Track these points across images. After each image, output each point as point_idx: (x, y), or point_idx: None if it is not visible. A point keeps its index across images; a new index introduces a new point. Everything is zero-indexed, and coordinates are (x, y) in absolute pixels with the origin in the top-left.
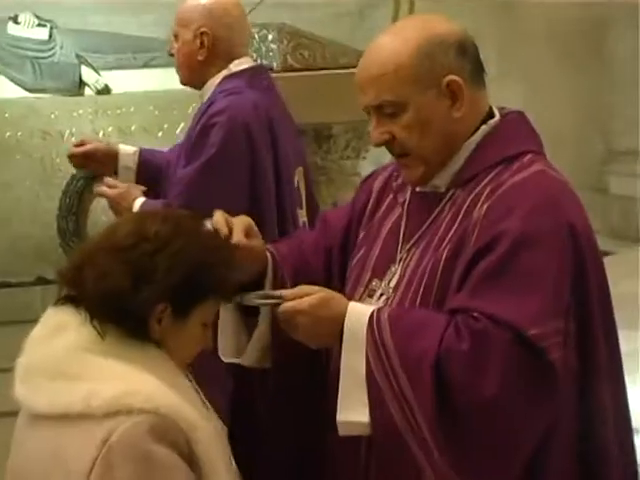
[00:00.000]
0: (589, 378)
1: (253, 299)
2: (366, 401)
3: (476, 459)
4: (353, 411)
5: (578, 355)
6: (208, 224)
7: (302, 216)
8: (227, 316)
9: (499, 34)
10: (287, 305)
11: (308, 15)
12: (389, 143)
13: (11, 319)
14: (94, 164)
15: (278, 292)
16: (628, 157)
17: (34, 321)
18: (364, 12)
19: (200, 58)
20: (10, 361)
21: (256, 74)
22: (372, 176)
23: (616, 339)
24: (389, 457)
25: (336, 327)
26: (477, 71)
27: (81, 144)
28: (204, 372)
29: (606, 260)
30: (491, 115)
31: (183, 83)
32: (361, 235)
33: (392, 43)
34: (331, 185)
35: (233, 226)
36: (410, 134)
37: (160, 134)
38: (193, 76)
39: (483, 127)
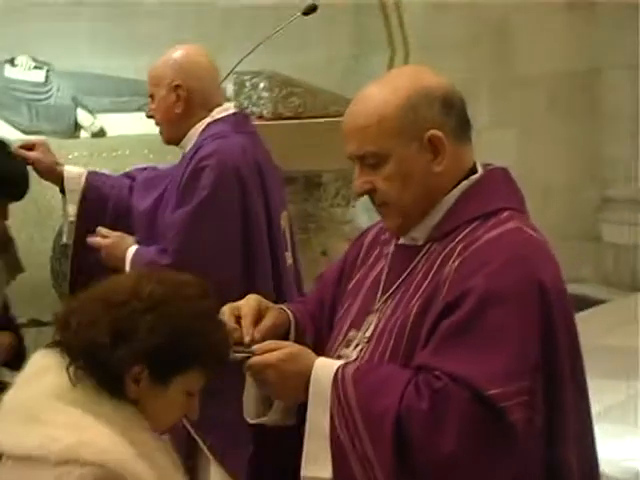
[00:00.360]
0: (555, 438)
1: (232, 352)
2: (329, 457)
3: None
4: (317, 466)
5: (545, 414)
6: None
7: (288, 258)
8: (250, 379)
9: (492, 82)
10: (255, 359)
11: (302, 59)
12: (370, 193)
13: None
14: (38, 172)
15: (254, 347)
16: (621, 204)
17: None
18: (359, 58)
19: (178, 111)
20: None
21: (240, 119)
22: (365, 232)
23: (586, 398)
24: None
25: (303, 382)
26: (462, 126)
27: (25, 146)
28: None
29: (600, 308)
30: (474, 171)
31: (166, 141)
32: (349, 287)
33: (379, 94)
34: (321, 233)
35: (242, 320)
36: (391, 186)
37: (160, 165)
38: (174, 131)
39: (464, 182)
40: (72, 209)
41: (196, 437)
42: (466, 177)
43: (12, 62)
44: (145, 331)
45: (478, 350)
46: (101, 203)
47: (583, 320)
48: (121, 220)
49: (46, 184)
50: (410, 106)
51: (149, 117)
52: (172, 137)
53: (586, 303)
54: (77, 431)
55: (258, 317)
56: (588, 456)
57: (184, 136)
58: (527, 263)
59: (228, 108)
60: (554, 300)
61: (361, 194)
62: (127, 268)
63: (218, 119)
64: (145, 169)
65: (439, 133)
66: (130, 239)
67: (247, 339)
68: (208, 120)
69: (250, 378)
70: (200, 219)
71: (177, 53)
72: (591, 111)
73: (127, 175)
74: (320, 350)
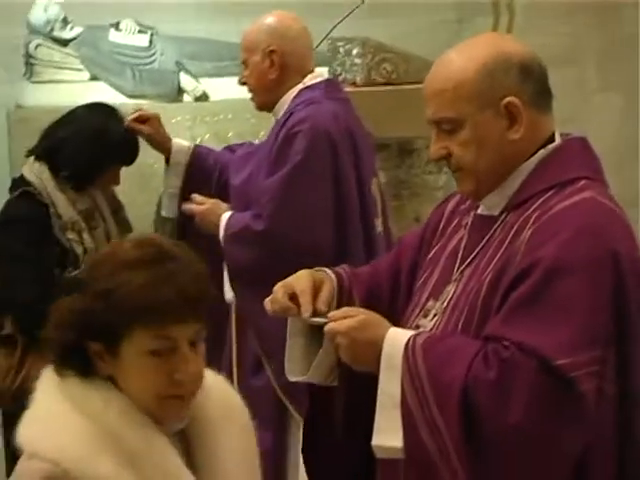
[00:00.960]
0: (627, 403)
1: (308, 318)
2: (400, 426)
3: None
4: (387, 435)
5: (616, 381)
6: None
7: (378, 225)
8: (295, 340)
9: (599, 46)
10: (329, 326)
11: (404, 24)
12: (446, 158)
13: None
14: (150, 143)
15: (329, 313)
16: None
17: None
18: (462, 22)
19: (272, 77)
20: None
21: (332, 86)
22: (446, 200)
23: None
24: (423, 477)
25: (374, 351)
26: (541, 94)
27: (140, 118)
28: None
29: None
30: (552, 140)
31: (259, 107)
32: (429, 256)
33: (456, 60)
34: (414, 199)
35: (300, 297)
36: (465, 151)
37: (256, 141)
38: (268, 97)
39: (541, 151)
40: (175, 181)
41: (286, 402)
42: (544, 146)
43: (117, 26)
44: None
45: (547, 320)
46: (205, 176)
47: None
48: (223, 193)
49: (148, 147)
50: (486, 72)
51: (242, 84)
52: (265, 103)
53: None
54: (48, 423)
55: (315, 291)
56: None
57: (277, 102)
58: (600, 232)
59: (320, 74)
60: (628, 269)
61: (437, 159)
62: (221, 233)
63: (310, 85)
64: (243, 144)
65: (516, 100)
66: (225, 205)
67: (306, 315)
68: (300, 86)
69: (292, 338)
70: (293, 184)
71: (270, 19)
72: None
73: (229, 149)
74: (388, 314)
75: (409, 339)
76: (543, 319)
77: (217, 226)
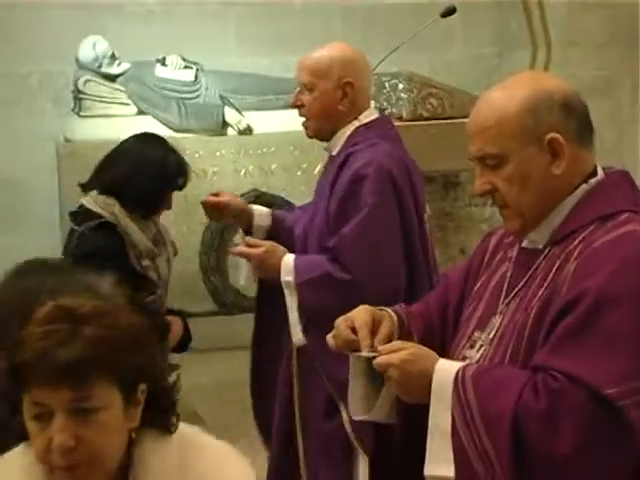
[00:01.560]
0: None
1: (360, 353)
2: (451, 457)
3: None
4: (439, 465)
5: None
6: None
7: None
8: (357, 380)
9: (633, 78)
10: (380, 359)
11: (444, 58)
12: (491, 193)
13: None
14: (226, 217)
15: (380, 347)
16: None
17: None
18: (502, 55)
19: (342, 108)
20: None
21: (385, 123)
22: (490, 234)
23: None
24: None
25: (425, 382)
26: (582, 130)
27: (216, 194)
28: None
29: None
30: (595, 174)
31: (313, 134)
32: (475, 289)
33: (500, 97)
34: (459, 232)
35: (359, 332)
36: (510, 187)
37: (299, 173)
38: (327, 125)
39: (583, 185)
40: None
41: (354, 442)
42: (586, 180)
43: (163, 62)
44: None
45: (595, 350)
46: (285, 237)
47: None
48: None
49: (195, 179)
50: (529, 109)
51: (296, 106)
52: (320, 131)
53: None
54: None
55: (375, 326)
56: None
57: (332, 134)
58: None
59: (371, 113)
60: None
61: (481, 194)
62: (290, 277)
63: (366, 124)
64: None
65: (558, 136)
66: (282, 248)
67: (365, 352)
68: (357, 124)
69: (354, 378)
70: (371, 232)
71: (347, 50)
72: None
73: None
74: (441, 348)
75: (458, 370)
76: (591, 349)
77: (277, 268)
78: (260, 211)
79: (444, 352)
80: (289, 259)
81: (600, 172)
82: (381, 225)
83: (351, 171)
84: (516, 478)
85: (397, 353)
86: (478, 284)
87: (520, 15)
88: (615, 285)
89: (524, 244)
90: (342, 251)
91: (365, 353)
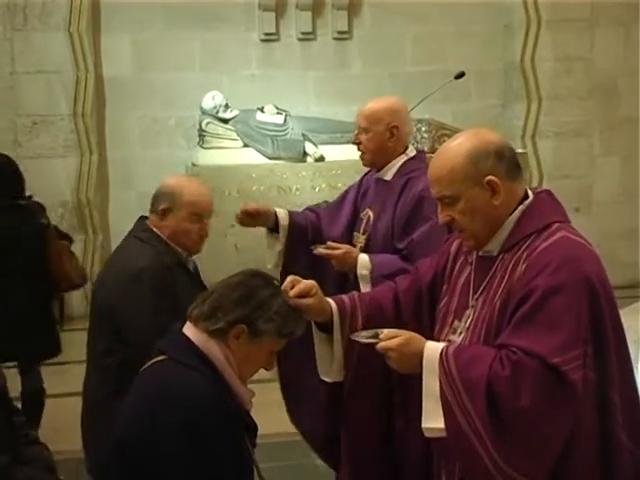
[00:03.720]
0: (603, 385)
1: (362, 336)
2: (441, 413)
3: (521, 454)
4: (432, 420)
5: (595, 371)
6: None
7: None
8: (320, 348)
9: (603, 122)
10: (381, 344)
11: (463, 107)
12: (451, 223)
13: None
14: (256, 221)
15: (380, 332)
16: None
17: None
18: (505, 106)
19: (390, 145)
20: None
21: (423, 157)
22: (448, 241)
23: (627, 356)
24: (464, 451)
25: (418, 359)
26: (512, 169)
27: (246, 205)
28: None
29: None
30: (527, 196)
31: (368, 164)
32: (444, 287)
33: (450, 150)
34: None
35: (296, 287)
36: (463, 218)
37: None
38: (379, 158)
39: (520, 207)
40: (282, 239)
41: None
42: (522, 202)
43: (262, 109)
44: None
45: (543, 330)
46: (303, 232)
47: None
48: (318, 239)
49: (283, 194)
50: (471, 159)
51: (356, 143)
52: (374, 162)
53: None
54: None
55: (306, 293)
56: (630, 395)
57: (383, 163)
58: (576, 262)
59: (413, 149)
60: (599, 289)
61: (444, 224)
62: (366, 272)
63: (412, 157)
64: (318, 205)
65: (494, 178)
66: (355, 249)
67: (356, 334)
68: (404, 157)
69: (320, 347)
70: (433, 239)
71: (394, 101)
72: None
73: (310, 209)
74: (414, 315)
75: (442, 349)
76: (539, 329)
77: (354, 265)
78: (280, 212)
79: (421, 324)
80: (365, 256)
81: (530, 194)
82: (439, 233)
83: (412, 192)
84: (490, 427)
85: (394, 339)
86: (447, 283)
87: (519, 77)
88: (556, 280)
89: (481, 253)
90: (413, 252)
91: (369, 340)
